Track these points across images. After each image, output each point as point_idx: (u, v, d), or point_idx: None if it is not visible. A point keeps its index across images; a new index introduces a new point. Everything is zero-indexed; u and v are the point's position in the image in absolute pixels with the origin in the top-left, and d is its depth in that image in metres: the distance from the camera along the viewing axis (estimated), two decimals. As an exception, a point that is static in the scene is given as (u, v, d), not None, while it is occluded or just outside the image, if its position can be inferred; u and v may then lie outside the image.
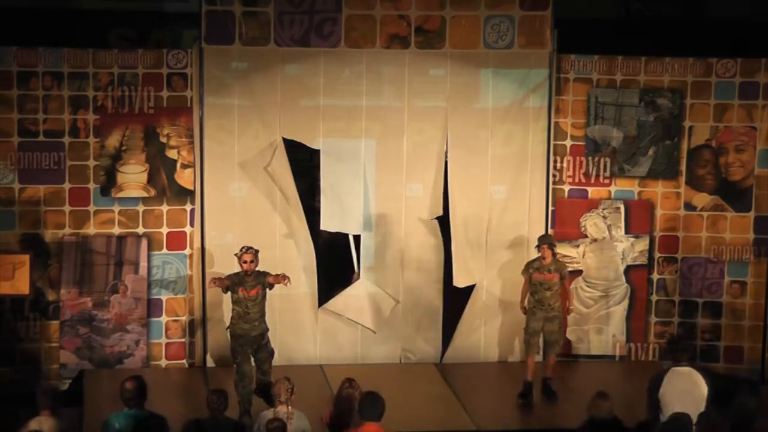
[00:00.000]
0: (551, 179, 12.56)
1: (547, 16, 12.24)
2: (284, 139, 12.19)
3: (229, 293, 10.75)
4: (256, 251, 10.66)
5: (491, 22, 12.21)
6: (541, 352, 11.73)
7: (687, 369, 9.15)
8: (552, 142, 12.52)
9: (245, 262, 10.61)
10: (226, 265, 12.10)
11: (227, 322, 12.23)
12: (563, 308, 11.61)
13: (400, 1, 12.08)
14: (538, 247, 11.46)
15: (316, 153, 12.36)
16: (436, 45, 12.20)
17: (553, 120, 12.49)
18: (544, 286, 11.41)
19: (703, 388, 9.00)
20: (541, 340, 11.57)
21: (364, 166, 12.35)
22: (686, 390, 9.00)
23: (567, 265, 11.91)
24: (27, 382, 11.02)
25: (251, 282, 10.62)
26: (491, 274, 12.61)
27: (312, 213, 12.49)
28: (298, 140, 12.27)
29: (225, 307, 12.16)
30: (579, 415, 9.32)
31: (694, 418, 8.42)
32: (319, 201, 12.49)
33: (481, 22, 12.19)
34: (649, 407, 9.19)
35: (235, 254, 10.74)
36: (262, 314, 10.72)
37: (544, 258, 11.39)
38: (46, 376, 11.82)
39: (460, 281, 12.49)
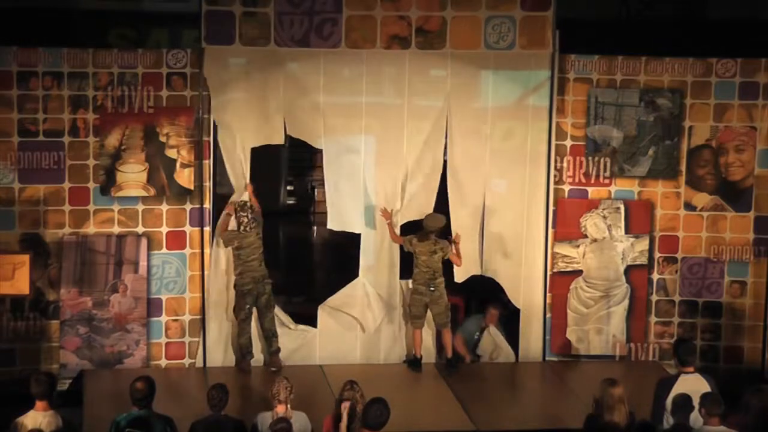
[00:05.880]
0: (552, 179, 12.57)
1: (548, 16, 12.20)
2: (286, 139, 12.22)
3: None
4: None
5: (492, 22, 12.18)
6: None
7: (696, 376, 9.12)
8: (553, 143, 12.51)
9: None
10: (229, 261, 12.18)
11: (227, 323, 12.28)
12: None
13: (401, 2, 12.06)
14: None
15: (317, 152, 12.35)
16: (436, 45, 12.18)
17: (554, 120, 12.48)
18: None
19: None
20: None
21: (363, 165, 12.36)
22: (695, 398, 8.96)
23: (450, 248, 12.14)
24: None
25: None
26: (492, 274, 12.60)
27: (308, 213, 12.50)
28: (301, 139, 12.30)
29: (224, 306, 12.20)
30: (579, 414, 9.32)
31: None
32: (315, 201, 12.51)
33: (482, 23, 12.17)
34: (654, 411, 9.17)
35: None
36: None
37: None
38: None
39: (459, 277, 12.50)
